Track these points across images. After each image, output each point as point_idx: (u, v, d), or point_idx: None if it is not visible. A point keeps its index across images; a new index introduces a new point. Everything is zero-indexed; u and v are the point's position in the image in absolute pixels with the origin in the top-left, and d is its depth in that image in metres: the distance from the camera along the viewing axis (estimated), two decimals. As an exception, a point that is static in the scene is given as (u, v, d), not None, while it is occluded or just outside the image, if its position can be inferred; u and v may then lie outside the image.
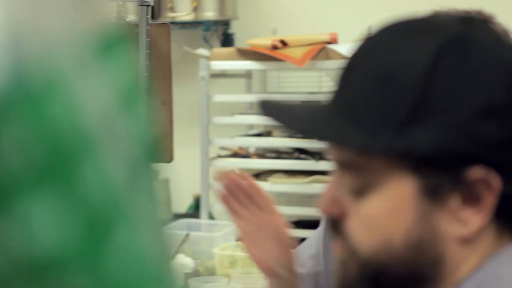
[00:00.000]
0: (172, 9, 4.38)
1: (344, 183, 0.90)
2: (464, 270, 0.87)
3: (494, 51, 0.87)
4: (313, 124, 0.89)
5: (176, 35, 4.51)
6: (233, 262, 2.81)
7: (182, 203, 4.02)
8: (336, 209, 0.90)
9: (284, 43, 3.58)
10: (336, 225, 0.91)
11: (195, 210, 3.75)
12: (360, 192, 0.88)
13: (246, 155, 3.67)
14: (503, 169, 0.86)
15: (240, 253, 2.84)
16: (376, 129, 0.85)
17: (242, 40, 4.09)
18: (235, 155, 3.71)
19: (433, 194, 0.86)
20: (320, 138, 0.93)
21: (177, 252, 2.80)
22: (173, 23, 4.34)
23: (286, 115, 0.91)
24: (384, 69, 0.87)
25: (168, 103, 2.75)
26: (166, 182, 3.79)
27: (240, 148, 3.75)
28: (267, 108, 0.93)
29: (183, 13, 4.40)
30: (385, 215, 0.87)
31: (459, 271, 0.87)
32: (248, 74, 4.19)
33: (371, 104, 0.86)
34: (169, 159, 2.57)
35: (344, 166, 0.89)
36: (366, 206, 0.88)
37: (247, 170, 3.73)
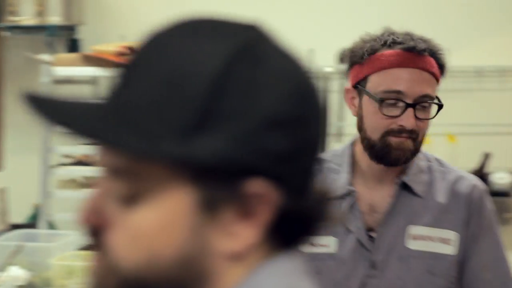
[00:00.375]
0: (14, 13, 4.25)
1: (113, 191, 0.81)
2: (227, 285, 0.82)
3: (281, 62, 0.84)
4: (86, 123, 0.80)
5: (18, 40, 4.38)
6: (70, 273, 2.73)
7: (21, 213, 3.89)
8: (97, 218, 0.82)
9: (131, 50, 3.53)
10: (96, 236, 0.82)
11: (35, 220, 3.64)
12: (131, 201, 0.80)
13: (90, 163, 3.59)
14: (285, 183, 0.81)
15: (78, 263, 2.77)
16: (156, 134, 0.78)
17: (90, 46, 4.02)
18: (79, 163, 3.62)
19: (209, 207, 0.80)
20: (92, 138, 0.81)
21: (9, 264, 2.70)
22: (15, 27, 4.22)
23: (57, 111, 0.81)
24: (171, 71, 0.80)
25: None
26: (1, 191, 3.64)
27: (85, 155, 3.66)
28: (35, 101, 0.82)
29: (26, 17, 4.26)
30: (156, 228, 0.79)
31: (223, 286, 0.82)
32: (93, 81, 4.10)
33: (153, 107, 0.79)
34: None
35: (116, 172, 0.81)
36: (135, 217, 0.80)
37: (91, 178, 3.64)
